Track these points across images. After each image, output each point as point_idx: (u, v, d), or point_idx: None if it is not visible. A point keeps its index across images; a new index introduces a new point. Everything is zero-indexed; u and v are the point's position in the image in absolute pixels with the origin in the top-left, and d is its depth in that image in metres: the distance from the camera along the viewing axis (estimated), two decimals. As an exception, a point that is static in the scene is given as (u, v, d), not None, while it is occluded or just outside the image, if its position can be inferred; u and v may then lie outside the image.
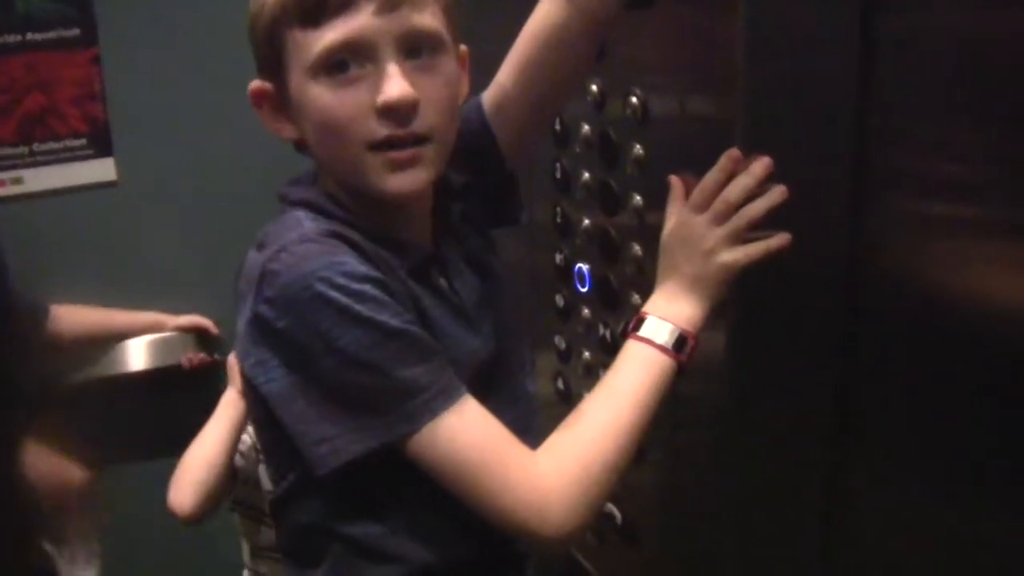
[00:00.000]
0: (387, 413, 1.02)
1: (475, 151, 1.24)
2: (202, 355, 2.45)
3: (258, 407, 1.11)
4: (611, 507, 1.46)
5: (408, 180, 1.06)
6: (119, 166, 2.46)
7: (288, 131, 1.11)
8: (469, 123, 1.23)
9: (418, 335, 1.03)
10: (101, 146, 2.45)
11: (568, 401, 1.58)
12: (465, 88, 1.15)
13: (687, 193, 1.13)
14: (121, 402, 2.50)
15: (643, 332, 1.10)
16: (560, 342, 1.57)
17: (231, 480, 1.71)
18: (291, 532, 1.20)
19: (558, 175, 1.51)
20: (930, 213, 1.06)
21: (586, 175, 1.44)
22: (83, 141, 2.44)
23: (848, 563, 1.20)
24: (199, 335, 2.47)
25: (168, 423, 2.51)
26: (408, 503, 1.12)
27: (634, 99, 1.30)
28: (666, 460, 1.34)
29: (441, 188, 1.17)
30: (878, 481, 1.15)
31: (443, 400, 1.02)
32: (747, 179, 1.09)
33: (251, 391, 1.10)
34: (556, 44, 1.18)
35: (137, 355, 2.48)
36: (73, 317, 2.32)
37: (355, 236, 1.06)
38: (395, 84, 1.02)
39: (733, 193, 1.09)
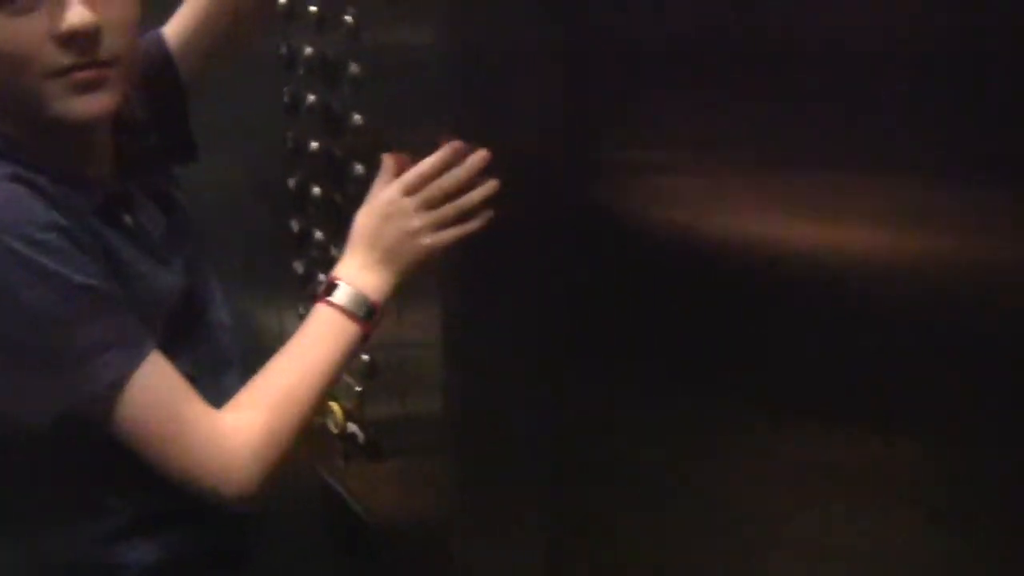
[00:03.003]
0: (70, 373, 0.99)
1: (156, 85, 1.22)
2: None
3: None
4: (353, 427, 1.48)
5: (95, 103, 1.02)
6: None
7: None
8: (150, 57, 1.21)
9: (103, 290, 1.00)
10: None
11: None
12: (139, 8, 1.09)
13: (398, 172, 1.15)
14: None
15: (336, 299, 1.13)
16: (299, 267, 1.58)
17: None
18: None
19: (286, 99, 1.50)
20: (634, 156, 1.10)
21: (311, 98, 1.44)
22: None
23: (575, 474, 1.24)
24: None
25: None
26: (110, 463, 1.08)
27: (348, 18, 1.30)
28: (397, 379, 1.37)
29: (122, 124, 1.14)
30: (601, 406, 1.19)
31: (126, 358, 1.01)
32: (464, 172, 1.12)
33: None
34: None
35: None
36: None
37: (39, 179, 1.00)
38: (75, 11, 0.97)
39: (448, 183, 1.12)
